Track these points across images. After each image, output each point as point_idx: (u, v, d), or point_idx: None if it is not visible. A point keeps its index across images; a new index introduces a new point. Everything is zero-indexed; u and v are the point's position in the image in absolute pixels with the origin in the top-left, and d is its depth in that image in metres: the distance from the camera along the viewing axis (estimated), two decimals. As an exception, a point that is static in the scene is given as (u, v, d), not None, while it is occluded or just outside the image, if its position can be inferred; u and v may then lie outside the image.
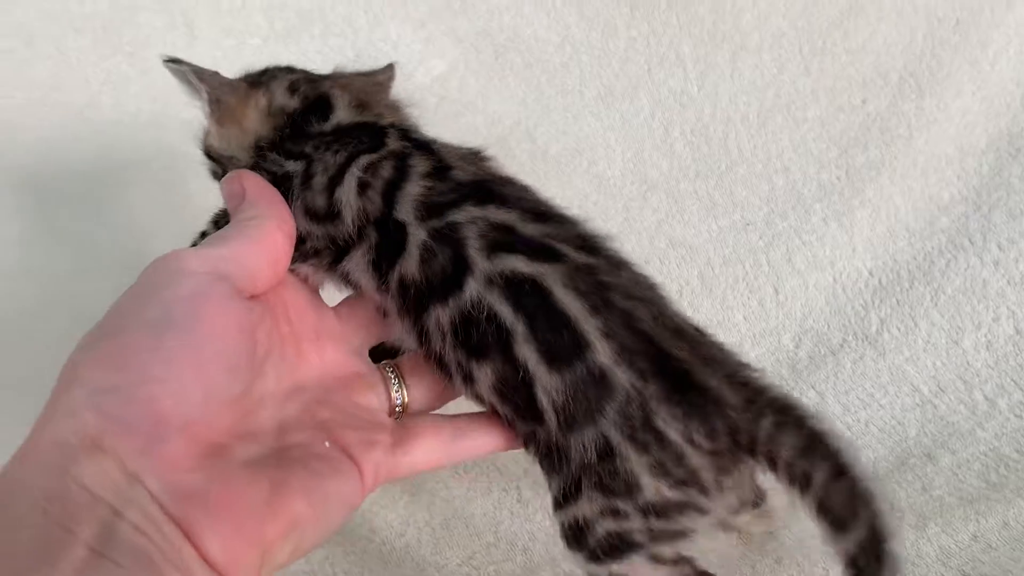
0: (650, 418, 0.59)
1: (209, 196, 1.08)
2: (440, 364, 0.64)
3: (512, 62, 1.14)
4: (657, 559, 0.62)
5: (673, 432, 0.59)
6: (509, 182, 0.69)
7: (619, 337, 0.60)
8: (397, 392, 0.67)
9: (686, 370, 0.60)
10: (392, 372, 0.68)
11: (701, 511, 0.61)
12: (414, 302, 0.63)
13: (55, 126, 1.05)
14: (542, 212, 0.67)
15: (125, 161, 1.06)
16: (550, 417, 0.60)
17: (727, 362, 0.63)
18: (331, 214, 0.65)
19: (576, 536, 0.62)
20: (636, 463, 0.59)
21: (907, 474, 0.89)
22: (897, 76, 1.16)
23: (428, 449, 0.64)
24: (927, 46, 1.16)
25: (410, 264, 0.63)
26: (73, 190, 1.04)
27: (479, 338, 0.61)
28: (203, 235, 0.74)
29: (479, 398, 0.64)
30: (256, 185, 0.65)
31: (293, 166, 0.68)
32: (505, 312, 0.60)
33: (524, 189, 0.70)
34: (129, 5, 1.06)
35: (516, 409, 0.62)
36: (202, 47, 1.08)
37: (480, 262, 0.61)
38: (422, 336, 0.63)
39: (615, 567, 0.62)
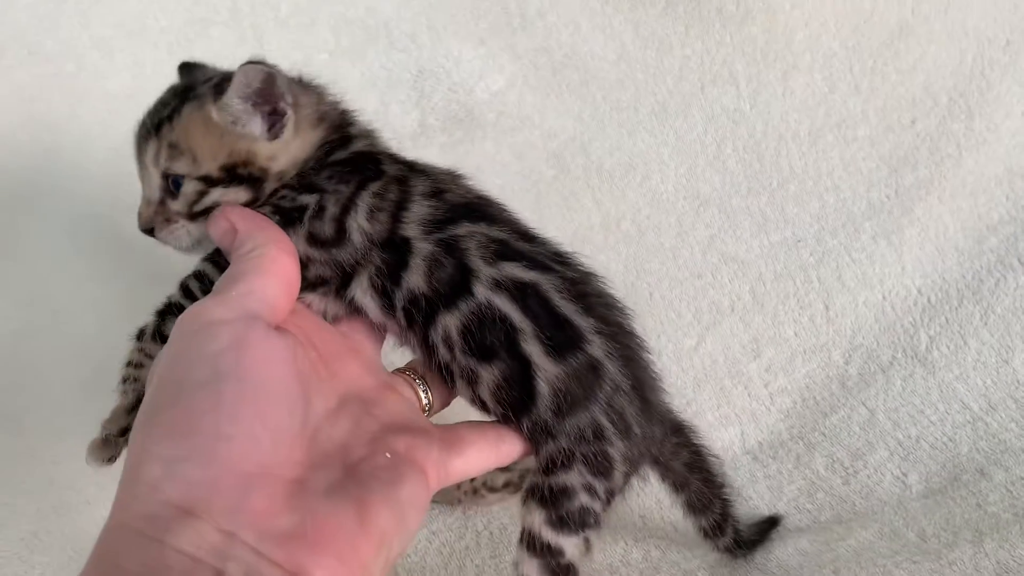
0: (624, 413, 0.68)
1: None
2: (445, 371, 0.69)
3: (569, 79, 1.17)
4: (587, 543, 0.70)
5: (636, 427, 0.69)
6: (492, 202, 0.75)
7: (604, 334, 0.68)
8: (424, 395, 0.70)
9: (641, 377, 0.71)
10: (415, 376, 0.71)
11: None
12: (422, 316, 0.67)
13: (129, 137, 1.08)
14: (525, 231, 0.73)
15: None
16: (547, 403, 0.66)
17: (658, 380, 0.75)
18: (338, 239, 0.68)
19: (553, 499, 0.68)
20: (616, 449, 0.68)
21: (961, 490, 0.91)
22: (947, 97, 1.18)
23: (479, 452, 0.67)
24: (977, 67, 1.17)
25: (416, 277, 0.67)
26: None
27: (489, 340, 0.67)
28: (185, 288, 0.72)
29: (476, 399, 0.69)
30: (244, 217, 0.66)
31: (307, 198, 0.70)
32: (513, 313, 0.66)
33: (505, 209, 0.75)
34: (202, 20, 1.09)
35: (510, 405, 0.68)
36: (271, 60, 1.11)
37: (484, 268, 0.67)
38: (428, 348, 0.68)
39: (565, 539, 0.68)
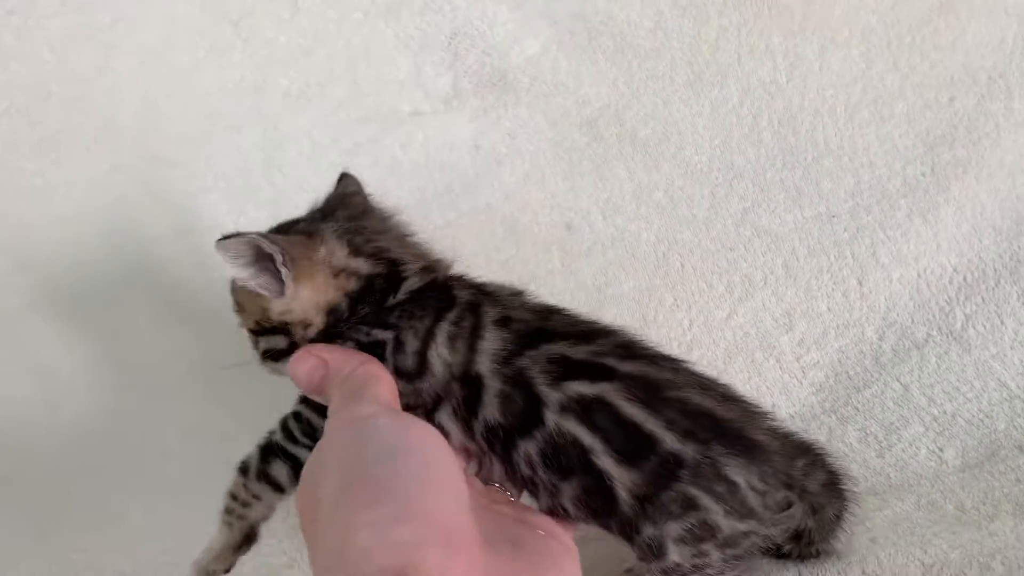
0: (720, 471, 0.69)
1: (301, 163, 1.10)
2: (528, 484, 0.71)
3: (604, 45, 1.15)
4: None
5: (740, 479, 0.69)
6: (551, 314, 0.76)
7: (679, 424, 0.69)
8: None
9: (739, 428, 0.71)
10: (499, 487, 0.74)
11: (761, 535, 0.72)
12: (502, 442, 0.70)
13: (162, 90, 1.07)
14: (584, 332, 0.74)
15: (226, 127, 1.08)
16: (628, 505, 0.69)
17: (761, 414, 0.75)
18: (420, 372, 0.70)
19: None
20: (715, 512, 0.69)
21: (999, 465, 0.89)
22: (986, 76, 1.16)
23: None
24: (1017, 46, 1.16)
25: (492, 410, 0.70)
26: (177, 154, 1.07)
27: (565, 461, 0.69)
28: (287, 430, 0.74)
29: (558, 507, 0.71)
30: (332, 349, 0.69)
31: (383, 334, 0.71)
32: (583, 434, 0.68)
33: (563, 314, 0.76)
34: (237, -26, 1.08)
35: (593, 512, 0.70)
36: (304, 19, 1.10)
37: (551, 394, 0.69)
38: (512, 466, 0.71)
39: None
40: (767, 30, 1.18)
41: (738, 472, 0.69)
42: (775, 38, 1.18)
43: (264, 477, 0.73)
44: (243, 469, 0.74)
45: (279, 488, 0.74)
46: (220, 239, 0.69)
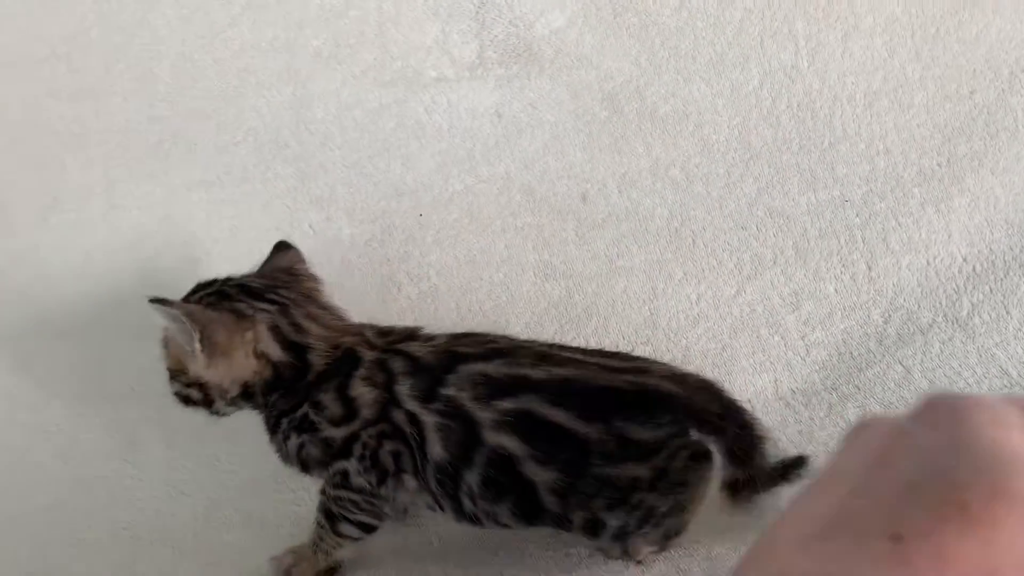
0: (625, 437, 0.75)
1: (328, 122, 1.13)
2: (472, 519, 0.79)
3: (629, 22, 1.17)
4: None
5: (647, 435, 0.76)
6: (460, 339, 0.83)
7: (583, 410, 0.76)
8: None
9: (636, 387, 0.78)
10: None
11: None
12: (451, 481, 0.77)
13: (197, 44, 1.11)
14: (496, 350, 0.80)
15: (257, 83, 1.12)
16: (551, 504, 0.76)
17: (659, 364, 0.83)
18: (349, 416, 0.79)
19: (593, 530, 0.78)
20: (629, 469, 0.75)
21: (993, 447, 0.91)
22: (1008, 70, 1.17)
23: None
24: (1041, 42, 1.17)
25: (437, 448, 0.76)
26: (210, 107, 1.10)
27: (501, 479, 0.75)
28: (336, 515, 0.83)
29: (499, 525, 0.80)
30: None
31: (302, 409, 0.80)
32: (515, 446, 0.75)
33: (470, 337, 0.83)
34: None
35: (526, 518, 0.78)
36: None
37: (483, 415, 0.75)
38: (460, 506, 0.78)
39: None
40: (791, 15, 1.19)
41: (641, 431, 0.75)
42: (798, 23, 1.20)
43: (341, 535, 0.82)
44: (320, 523, 0.82)
45: (359, 538, 0.82)
46: (152, 300, 0.77)
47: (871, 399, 1.01)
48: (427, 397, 0.77)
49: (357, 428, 0.78)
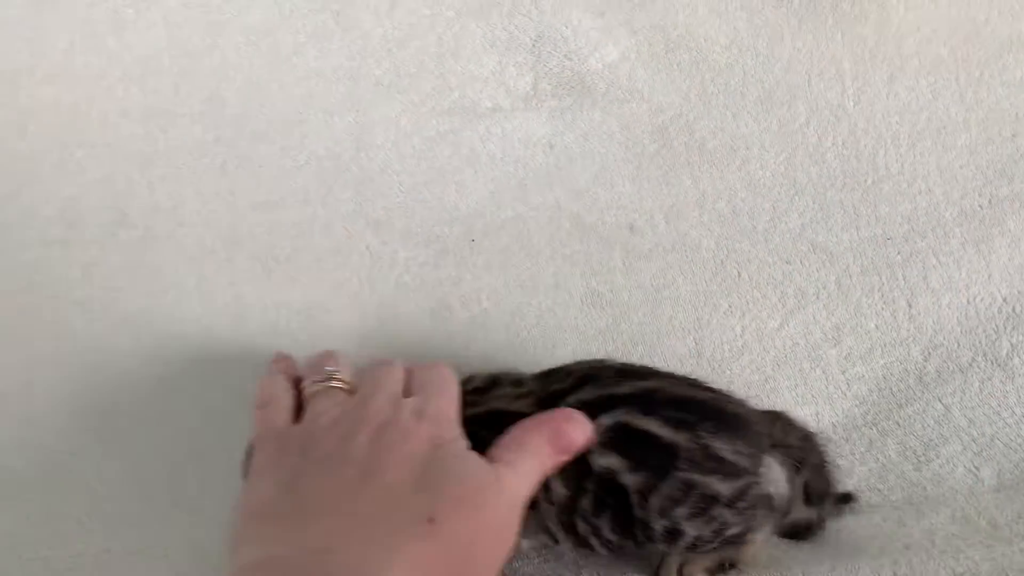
0: (708, 451, 0.78)
1: (387, 149, 1.17)
2: (585, 544, 0.82)
3: (680, 58, 1.20)
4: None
5: (727, 453, 0.79)
6: (547, 377, 0.88)
7: (672, 418, 0.79)
8: None
9: (718, 406, 0.82)
10: None
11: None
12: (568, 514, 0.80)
13: (264, 70, 1.15)
14: (581, 377, 0.85)
15: (320, 110, 1.16)
16: (636, 506, 0.78)
17: (728, 394, 0.86)
18: None
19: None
20: (712, 482, 0.78)
21: (1034, 488, 0.93)
22: (1051, 114, 1.20)
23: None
24: (1084, 88, 1.19)
25: (558, 487, 0.79)
26: (274, 131, 1.14)
27: (605, 496, 0.79)
28: None
29: (603, 546, 0.82)
30: None
31: None
32: (614, 461, 0.78)
33: (555, 374, 0.88)
34: (342, -34, 1.15)
35: (623, 529, 0.80)
36: (400, 13, 1.16)
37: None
38: (577, 535, 0.82)
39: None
40: (838, 55, 1.22)
41: (724, 446, 0.78)
42: (846, 63, 1.22)
43: None
44: None
45: None
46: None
47: (911, 435, 1.04)
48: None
49: None
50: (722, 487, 0.77)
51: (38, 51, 1.17)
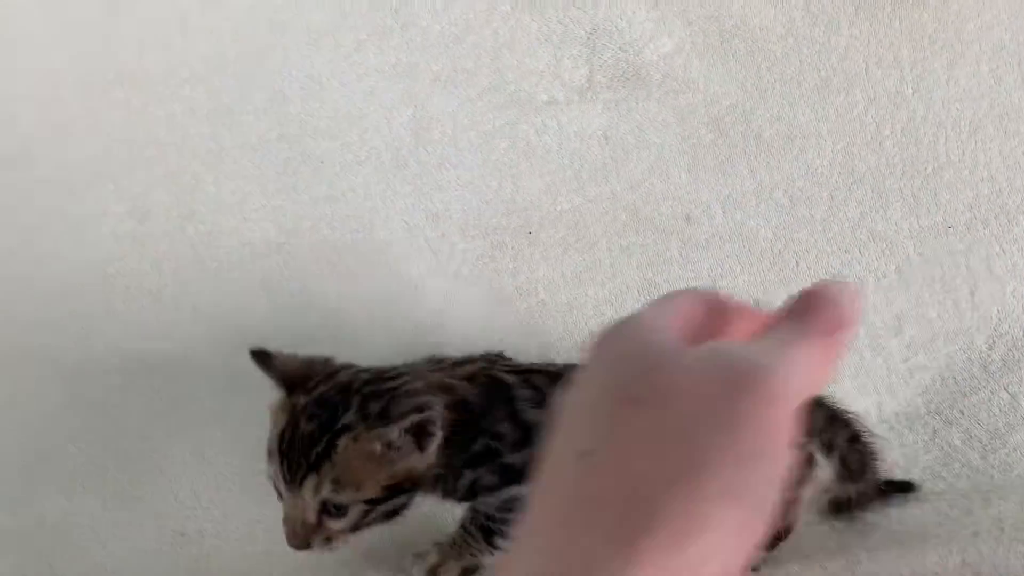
0: None
1: (445, 143, 1.19)
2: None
3: (736, 48, 1.20)
4: None
5: None
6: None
7: None
8: None
9: None
10: None
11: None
12: None
13: (324, 69, 1.17)
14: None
15: (380, 106, 1.18)
16: None
17: None
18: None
19: None
20: None
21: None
22: (1118, 98, 1.17)
23: None
24: None
25: None
26: (336, 127, 1.17)
27: None
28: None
29: None
30: None
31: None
32: None
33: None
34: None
35: None
36: (457, 9, 1.18)
37: None
38: None
39: None
40: (896, 42, 1.21)
41: None
42: (904, 50, 1.21)
43: (494, 547, 0.82)
44: (470, 532, 0.83)
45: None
46: (417, 415, 0.74)
47: (976, 425, 1.03)
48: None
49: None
50: None
51: (108, 54, 1.21)
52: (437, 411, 0.75)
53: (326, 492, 0.72)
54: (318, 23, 1.17)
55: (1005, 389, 1.06)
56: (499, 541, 0.84)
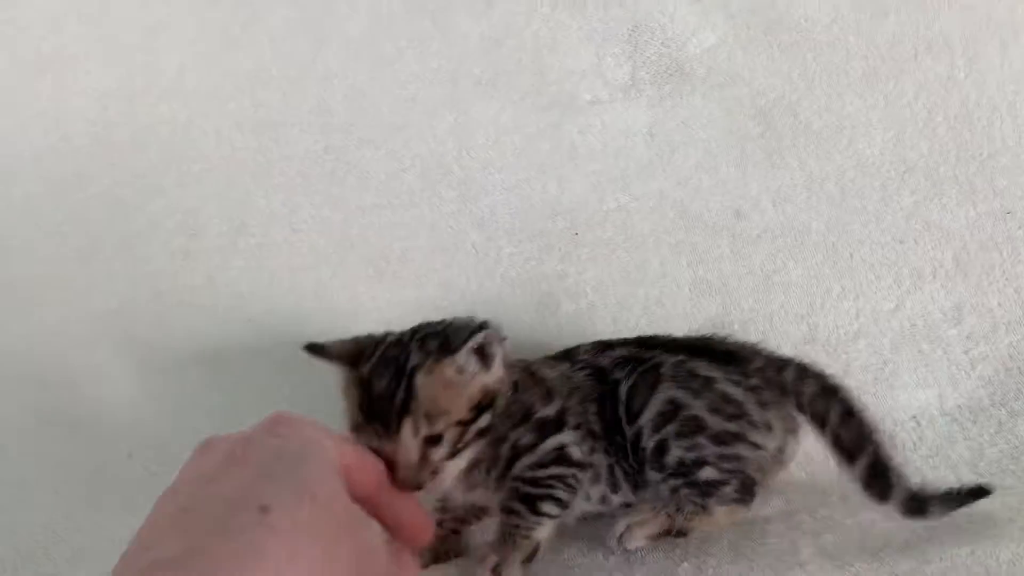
0: (694, 371, 0.87)
1: (488, 147, 1.19)
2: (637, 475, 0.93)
3: (780, 39, 1.18)
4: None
5: (717, 374, 0.87)
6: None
7: (664, 351, 0.92)
8: None
9: (708, 344, 0.93)
10: None
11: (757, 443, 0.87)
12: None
13: (367, 77, 1.18)
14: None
15: (422, 112, 1.18)
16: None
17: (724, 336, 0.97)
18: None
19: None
20: (697, 407, 0.86)
21: None
22: None
23: None
24: None
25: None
26: (380, 136, 1.17)
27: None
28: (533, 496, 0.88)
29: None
30: None
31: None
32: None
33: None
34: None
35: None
36: (496, 13, 1.18)
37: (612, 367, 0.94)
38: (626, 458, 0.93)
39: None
40: (946, 26, 1.18)
41: (710, 369, 0.87)
42: (954, 34, 1.18)
43: (540, 514, 0.86)
44: (512, 510, 0.86)
45: (556, 515, 0.87)
46: (482, 330, 0.81)
47: (1043, 416, 1.00)
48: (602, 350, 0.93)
49: (562, 402, 0.87)
50: (709, 418, 0.85)
51: (153, 71, 1.23)
52: (493, 332, 0.81)
53: (423, 428, 0.76)
54: (358, 33, 1.18)
55: (1071, 378, 1.03)
56: (545, 506, 0.85)
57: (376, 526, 0.59)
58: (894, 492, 0.84)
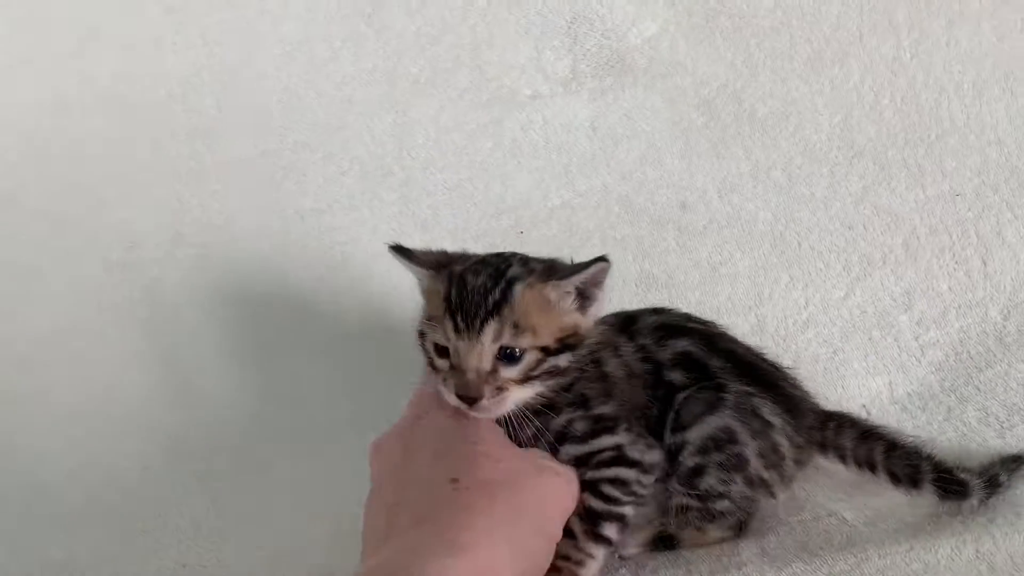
0: (758, 410, 0.81)
1: (429, 147, 1.16)
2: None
3: (722, 25, 1.16)
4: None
5: (776, 420, 0.82)
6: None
7: (728, 368, 0.83)
8: None
9: (775, 380, 0.85)
10: None
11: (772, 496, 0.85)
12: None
13: (301, 79, 1.16)
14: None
15: (360, 113, 1.16)
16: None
17: (790, 374, 0.88)
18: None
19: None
20: (749, 447, 0.80)
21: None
22: None
23: None
24: None
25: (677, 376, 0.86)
26: (316, 139, 1.15)
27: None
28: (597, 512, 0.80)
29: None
30: None
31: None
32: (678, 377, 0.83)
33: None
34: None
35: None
36: (432, 9, 1.17)
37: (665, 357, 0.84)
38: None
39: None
40: (891, 6, 1.16)
41: (773, 415, 0.81)
42: (899, 13, 1.16)
43: (600, 540, 0.78)
44: (569, 532, 0.78)
45: (609, 544, 0.79)
46: (602, 260, 0.77)
47: (992, 400, 0.99)
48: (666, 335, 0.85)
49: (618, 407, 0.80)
50: (753, 460, 0.80)
51: (85, 81, 1.20)
52: (604, 272, 0.78)
53: (506, 336, 0.74)
54: (291, 34, 1.15)
55: (1022, 362, 1.01)
56: (606, 528, 0.78)
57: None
58: (971, 489, 0.82)
